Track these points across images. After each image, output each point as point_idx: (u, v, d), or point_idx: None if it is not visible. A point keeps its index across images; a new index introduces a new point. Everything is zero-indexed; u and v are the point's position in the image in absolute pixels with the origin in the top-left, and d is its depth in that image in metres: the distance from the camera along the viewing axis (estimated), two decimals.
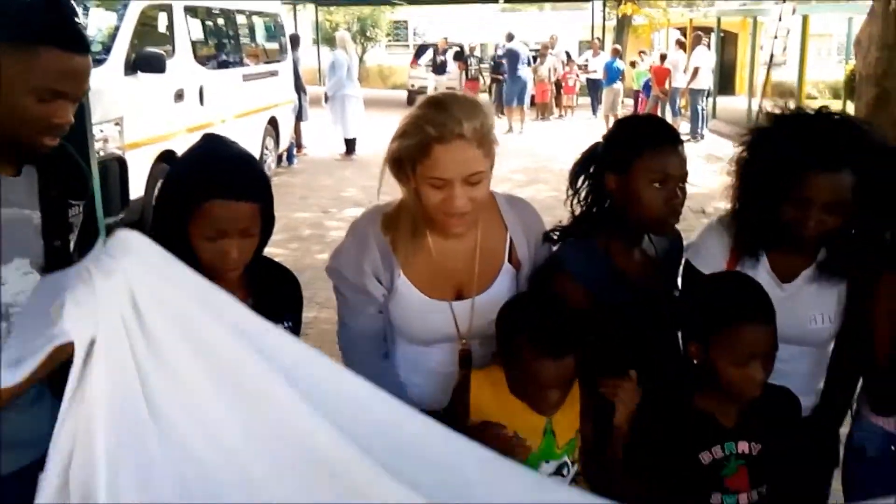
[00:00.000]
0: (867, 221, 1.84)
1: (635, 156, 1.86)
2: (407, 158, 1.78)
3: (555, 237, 2.00)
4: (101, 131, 5.95)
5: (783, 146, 1.81)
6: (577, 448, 1.81)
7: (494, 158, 1.82)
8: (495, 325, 1.80)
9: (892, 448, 1.96)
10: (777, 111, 1.89)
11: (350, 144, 12.51)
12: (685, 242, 2.12)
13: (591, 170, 1.97)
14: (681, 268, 2.10)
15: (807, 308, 1.94)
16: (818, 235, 1.82)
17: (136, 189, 6.52)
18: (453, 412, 1.83)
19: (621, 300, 1.88)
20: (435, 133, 1.72)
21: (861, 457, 2.02)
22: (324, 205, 9.10)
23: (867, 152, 1.76)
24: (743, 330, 1.67)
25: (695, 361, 1.77)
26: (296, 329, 1.89)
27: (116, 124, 6.29)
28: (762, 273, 1.90)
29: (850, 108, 11.87)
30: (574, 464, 1.81)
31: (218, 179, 1.64)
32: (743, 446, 1.75)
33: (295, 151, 12.14)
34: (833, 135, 1.78)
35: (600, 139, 2.02)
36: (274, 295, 1.85)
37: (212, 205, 1.63)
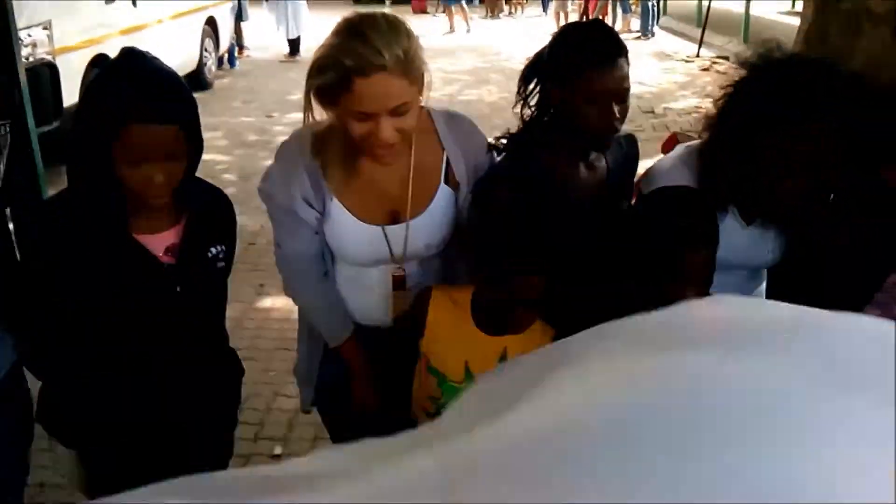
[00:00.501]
0: (847, 178, 1.76)
1: (573, 71, 1.80)
2: (328, 93, 1.68)
3: (501, 146, 1.95)
4: (29, 36, 5.67)
5: (762, 101, 1.72)
6: None
7: (423, 82, 1.72)
8: (475, 235, 1.75)
9: None
10: (757, 59, 1.76)
11: (294, 45, 12.15)
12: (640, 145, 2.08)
13: (538, 77, 1.91)
14: (635, 180, 2.06)
15: (766, 242, 1.92)
16: (796, 195, 1.73)
17: (70, 96, 6.26)
18: (405, 326, 1.84)
19: (562, 215, 1.84)
20: (354, 65, 1.61)
21: None
22: (268, 108, 8.87)
23: (850, 105, 1.68)
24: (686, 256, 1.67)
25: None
26: (229, 253, 1.85)
27: (45, 28, 5.98)
28: (728, 218, 1.84)
29: (799, 5, 11.83)
30: None
31: (136, 102, 1.55)
32: None
33: (236, 53, 11.75)
34: (814, 90, 1.68)
35: (547, 43, 1.96)
36: (207, 218, 1.80)
37: (132, 129, 1.55)
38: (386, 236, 1.87)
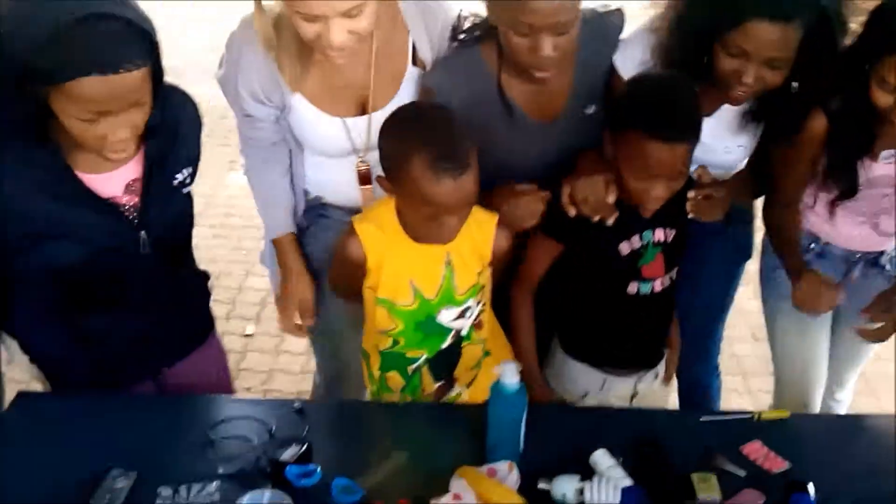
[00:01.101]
0: (812, 79, 1.70)
1: None
2: None
3: (463, 29, 1.78)
4: None
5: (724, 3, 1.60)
6: (482, 290, 1.74)
7: None
8: (379, 143, 1.57)
9: (812, 246, 2.01)
10: None
11: None
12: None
13: None
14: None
15: (724, 140, 1.86)
16: (754, 92, 1.67)
17: None
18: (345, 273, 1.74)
19: (493, 121, 1.74)
20: None
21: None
22: None
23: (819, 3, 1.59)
24: (646, 145, 1.57)
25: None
26: (195, 171, 1.62)
27: None
28: None
29: None
30: (479, 303, 1.74)
31: (86, 53, 1.20)
32: (659, 234, 1.76)
33: None
34: None
35: None
36: (172, 134, 1.52)
37: (83, 83, 1.21)
38: (347, 129, 1.77)
